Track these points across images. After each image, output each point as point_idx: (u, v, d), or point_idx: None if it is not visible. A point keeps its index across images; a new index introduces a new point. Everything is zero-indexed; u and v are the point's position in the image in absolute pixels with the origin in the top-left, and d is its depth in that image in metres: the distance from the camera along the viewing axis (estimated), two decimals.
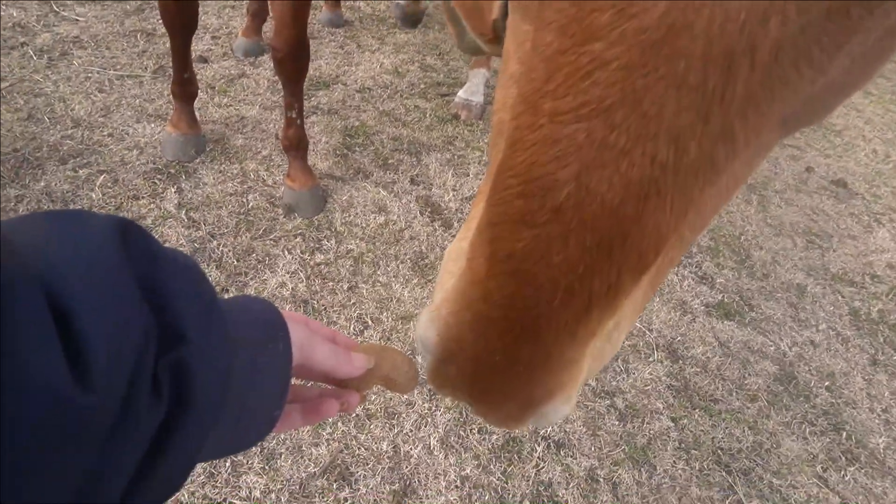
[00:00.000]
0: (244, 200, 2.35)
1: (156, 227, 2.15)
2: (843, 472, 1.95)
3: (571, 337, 0.48)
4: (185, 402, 0.40)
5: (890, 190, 3.54)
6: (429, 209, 2.53)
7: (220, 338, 0.44)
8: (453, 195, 2.62)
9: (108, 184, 2.26)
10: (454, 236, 2.41)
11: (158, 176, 2.35)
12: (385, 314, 2.05)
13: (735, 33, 0.39)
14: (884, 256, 2.97)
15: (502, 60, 0.59)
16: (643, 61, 0.40)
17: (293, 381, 0.56)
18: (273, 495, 1.52)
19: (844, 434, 2.07)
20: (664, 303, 2.40)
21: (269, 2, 2.05)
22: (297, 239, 2.25)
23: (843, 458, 2.00)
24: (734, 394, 2.11)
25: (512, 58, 0.55)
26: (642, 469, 1.81)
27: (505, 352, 0.50)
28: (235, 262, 2.09)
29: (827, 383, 2.24)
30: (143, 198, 2.25)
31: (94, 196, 2.18)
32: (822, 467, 1.95)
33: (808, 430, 2.06)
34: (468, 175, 2.78)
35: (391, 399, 1.81)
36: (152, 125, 2.58)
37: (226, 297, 0.58)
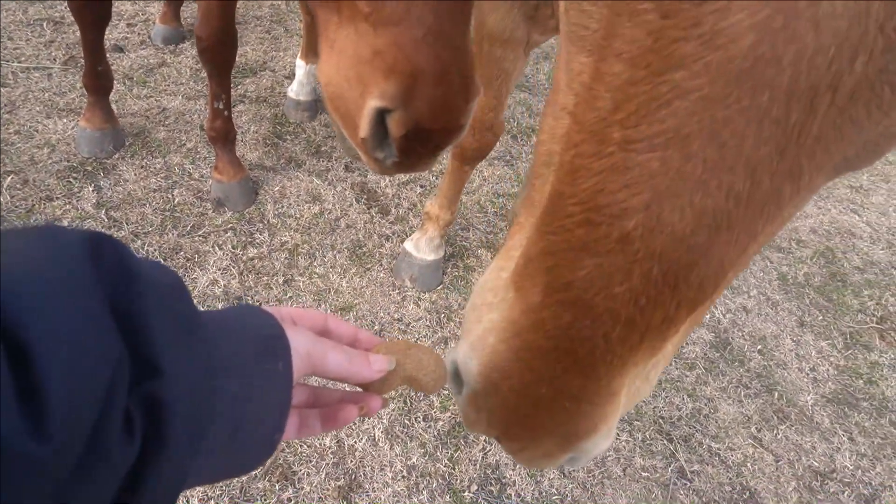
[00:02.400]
0: (169, 196, 2.24)
1: None
2: (775, 431, 2.04)
3: (621, 369, 0.48)
4: (159, 438, 0.37)
5: None
6: (365, 196, 2.48)
7: (200, 366, 0.40)
8: (390, 181, 2.57)
9: (17, 185, 2.11)
10: (392, 223, 2.37)
11: (74, 174, 2.21)
12: (324, 306, 2.00)
13: (823, 68, 0.39)
14: (807, 222, 3.10)
15: (551, 91, 0.58)
16: (726, 92, 0.40)
17: (313, 381, 0.54)
18: (213, 502, 1.47)
19: (776, 394, 2.16)
20: None
21: None
22: (228, 234, 2.16)
23: (776, 418, 2.08)
24: (673, 363, 2.17)
25: (563, 89, 0.54)
26: None
27: (552, 383, 0.49)
28: (162, 262, 1.99)
29: (759, 347, 2.33)
30: (57, 198, 2.11)
31: (1, 200, 2.04)
32: (756, 428, 2.03)
33: (742, 393, 2.14)
34: None
35: None
36: (64, 120, 2.42)
37: None
